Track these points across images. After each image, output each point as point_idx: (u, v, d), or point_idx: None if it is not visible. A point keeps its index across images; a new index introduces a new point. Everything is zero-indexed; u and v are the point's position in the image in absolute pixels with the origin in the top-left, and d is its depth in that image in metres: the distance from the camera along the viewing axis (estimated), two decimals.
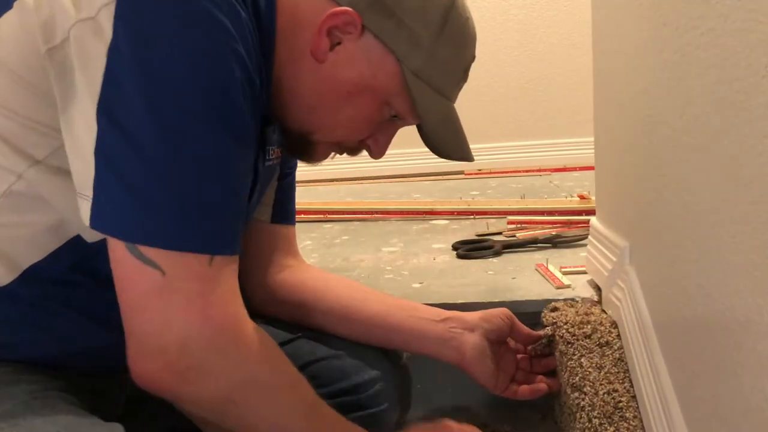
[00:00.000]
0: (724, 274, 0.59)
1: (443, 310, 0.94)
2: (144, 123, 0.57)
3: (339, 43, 0.71)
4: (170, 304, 0.59)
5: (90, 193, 0.58)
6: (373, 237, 1.69)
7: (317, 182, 2.66)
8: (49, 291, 0.66)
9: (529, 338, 0.99)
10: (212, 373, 0.61)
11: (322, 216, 1.93)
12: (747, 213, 0.53)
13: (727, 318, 0.58)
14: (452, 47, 0.75)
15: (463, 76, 0.79)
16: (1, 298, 0.65)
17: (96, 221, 0.58)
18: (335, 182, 2.67)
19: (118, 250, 0.59)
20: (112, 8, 0.56)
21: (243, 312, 0.63)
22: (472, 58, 0.79)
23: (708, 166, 0.62)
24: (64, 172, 0.62)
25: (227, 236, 0.62)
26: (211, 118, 0.59)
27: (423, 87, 0.73)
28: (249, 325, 0.64)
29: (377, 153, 0.80)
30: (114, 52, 0.56)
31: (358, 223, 1.88)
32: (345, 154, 0.82)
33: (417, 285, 1.25)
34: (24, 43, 0.61)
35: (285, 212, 0.92)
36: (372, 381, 0.89)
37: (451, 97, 0.78)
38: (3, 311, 0.66)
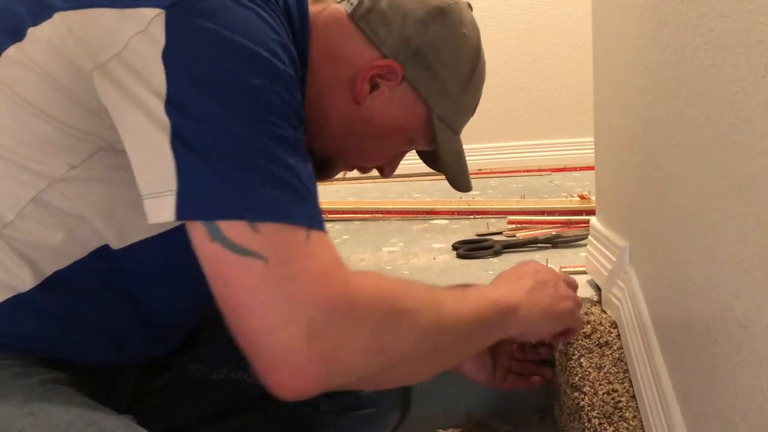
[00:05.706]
0: (723, 275, 0.59)
1: None
2: (211, 107, 0.56)
3: (376, 87, 0.76)
4: (281, 293, 0.54)
5: (173, 186, 0.55)
6: (374, 236, 1.69)
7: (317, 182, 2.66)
8: (68, 302, 0.66)
9: None
10: (348, 339, 0.57)
11: (323, 215, 1.92)
12: (746, 213, 0.53)
13: (726, 318, 0.59)
14: (472, 95, 0.84)
15: (473, 114, 0.87)
16: (21, 304, 0.64)
17: (184, 208, 0.55)
18: (335, 181, 2.67)
19: (209, 247, 0.55)
20: (162, 18, 0.57)
21: (346, 270, 0.60)
22: (480, 97, 0.87)
23: (708, 166, 0.62)
24: (101, 177, 0.62)
25: (316, 211, 0.60)
26: (270, 95, 0.58)
27: (445, 129, 0.81)
28: (355, 278, 0.60)
29: (389, 174, 0.87)
30: (169, 55, 0.57)
31: (358, 222, 1.89)
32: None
33: None
34: (65, 53, 0.61)
35: None
36: None
37: (460, 132, 0.86)
38: (20, 318, 0.65)
